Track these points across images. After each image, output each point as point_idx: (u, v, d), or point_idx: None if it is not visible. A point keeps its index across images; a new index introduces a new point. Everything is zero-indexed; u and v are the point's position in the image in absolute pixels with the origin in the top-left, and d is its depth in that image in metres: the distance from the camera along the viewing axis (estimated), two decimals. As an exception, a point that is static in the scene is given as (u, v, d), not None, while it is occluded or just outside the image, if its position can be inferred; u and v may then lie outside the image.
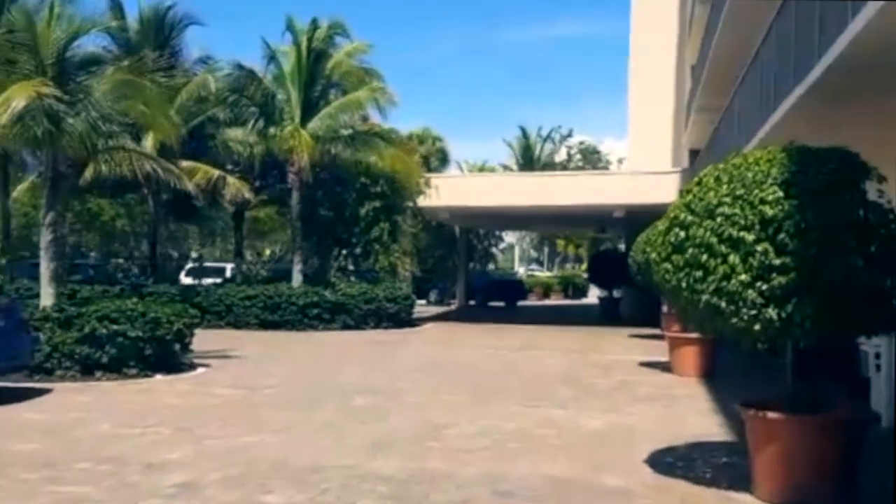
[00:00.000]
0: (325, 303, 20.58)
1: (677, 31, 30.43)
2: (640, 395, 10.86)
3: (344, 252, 22.59)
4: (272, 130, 21.58)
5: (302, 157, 20.73)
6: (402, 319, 21.46)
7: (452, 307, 34.13)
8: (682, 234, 6.06)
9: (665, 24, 30.37)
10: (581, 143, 52.62)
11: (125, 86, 13.01)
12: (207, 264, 34.00)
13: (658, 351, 16.84)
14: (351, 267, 24.37)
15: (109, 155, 14.85)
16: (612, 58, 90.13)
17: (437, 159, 42.07)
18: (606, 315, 28.21)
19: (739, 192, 5.81)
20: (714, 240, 5.78)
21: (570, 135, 52.10)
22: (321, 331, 20.38)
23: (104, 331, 10.94)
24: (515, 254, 65.92)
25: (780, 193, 5.65)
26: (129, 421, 8.46)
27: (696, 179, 6.44)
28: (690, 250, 5.95)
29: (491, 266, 55.05)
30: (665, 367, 13.57)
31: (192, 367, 12.53)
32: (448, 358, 15.08)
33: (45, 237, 12.64)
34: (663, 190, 22.28)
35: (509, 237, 65.69)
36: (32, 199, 29.50)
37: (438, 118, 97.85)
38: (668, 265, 6.21)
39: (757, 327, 5.71)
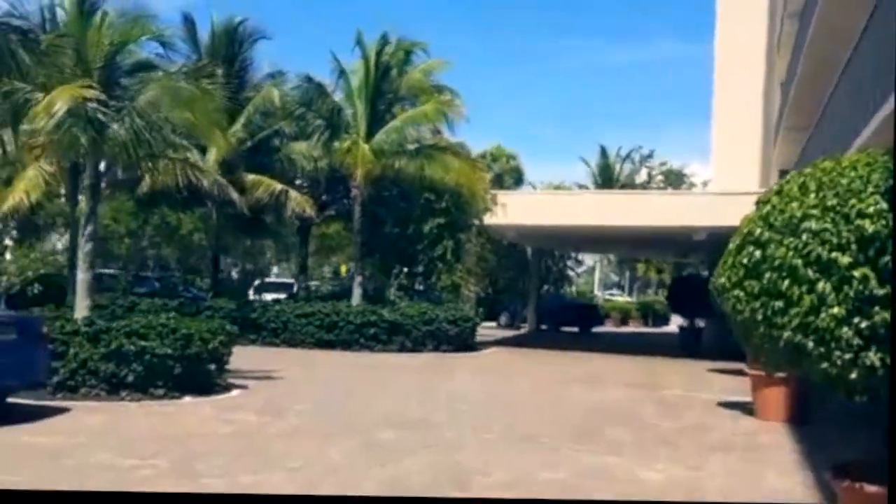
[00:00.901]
0: (382, 322, 19.75)
1: (765, 48, 28.56)
2: (713, 443, 9.47)
3: (405, 270, 21.73)
4: (337, 144, 21.06)
5: (361, 171, 20.07)
6: (462, 343, 20.41)
7: (523, 331, 32.85)
8: (758, 253, 4.85)
9: (752, 41, 28.55)
10: (663, 163, 50.51)
11: (172, 93, 12.53)
12: (276, 280, 33.89)
13: (740, 389, 15.18)
14: (419, 286, 23.56)
15: (153, 164, 14.41)
16: (695, 82, 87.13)
17: (511, 178, 41.07)
18: (686, 346, 26.34)
19: (831, 202, 4.58)
20: (798, 262, 4.55)
21: (651, 155, 50.14)
22: (377, 352, 19.54)
23: (132, 347, 10.33)
24: (595, 277, 63.89)
25: (884, 205, 4.39)
26: (129, 450, 7.72)
27: (775, 188, 5.20)
28: (768, 274, 4.73)
29: (570, 289, 53.42)
30: (747, 409, 12.05)
31: (227, 388, 11.83)
32: (501, 388, 13.94)
33: (82, 248, 12.21)
34: (749, 212, 20.62)
35: (588, 259, 63.87)
36: (111, 211, 30.01)
37: (515, 140, 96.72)
38: (739, 292, 4.99)
39: (854, 375, 4.45)
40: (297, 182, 24.66)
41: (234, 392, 11.71)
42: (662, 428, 10.36)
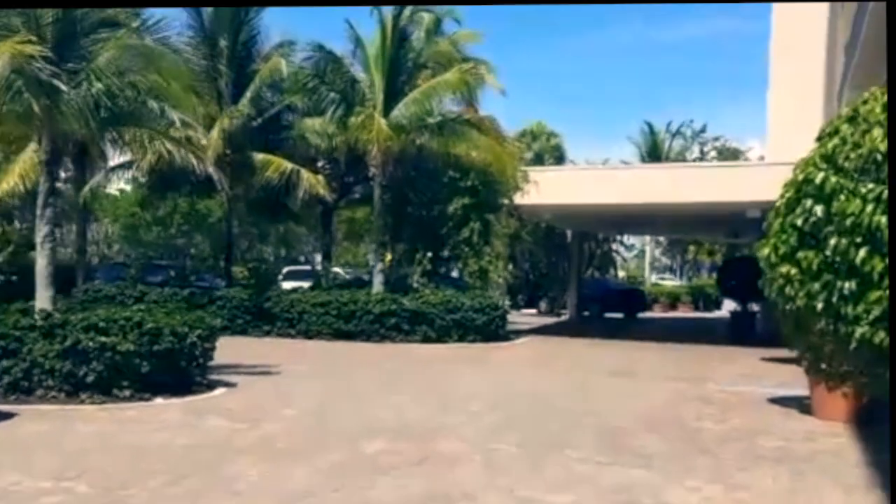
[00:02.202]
0: (402, 312, 18.41)
1: (827, 12, 26.11)
2: (763, 452, 7.85)
3: (429, 255, 20.29)
4: (353, 119, 19.65)
5: (378, 147, 18.63)
6: (492, 332, 18.93)
7: (563, 318, 31.19)
8: (819, 210, 3.28)
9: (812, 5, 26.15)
10: (716, 138, 47.68)
11: (134, 52, 11.16)
12: (304, 268, 32.83)
13: (796, 382, 13.41)
14: (443, 270, 22.15)
15: (119, 136, 13.10)
16: (752, 60, 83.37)
17: (553, 157, 39.25)
18: (738, 332, 24.41)
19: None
20: (882, 220, 2.97)
21: (703, 130, 47.37)
22: (398, 342, 18.22)
23: (90, 343, 9.16)
24: (646, 260, 61.52)
25: None
26: (50, 468, 6.49)
27: (846, 111, 3.58)
28: (834, 241, 3.15)
29: (618, 273, 51.32)
30: (803, 407, 10.37)
31: (211, 386, 10.61)
32: (525, 385, 12.43)
33: (40, 232, 11.03)
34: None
35: (637, 242, 61.48)
36: (137, 196, 29.17)
37: (560, 120, 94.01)
38: (790, 268, 3.42)
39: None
40: (319, 163, 23.45)
41: (218, 391, 10.48)
42: (704, 432, 8.76)
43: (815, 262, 3.19)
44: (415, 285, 19.96)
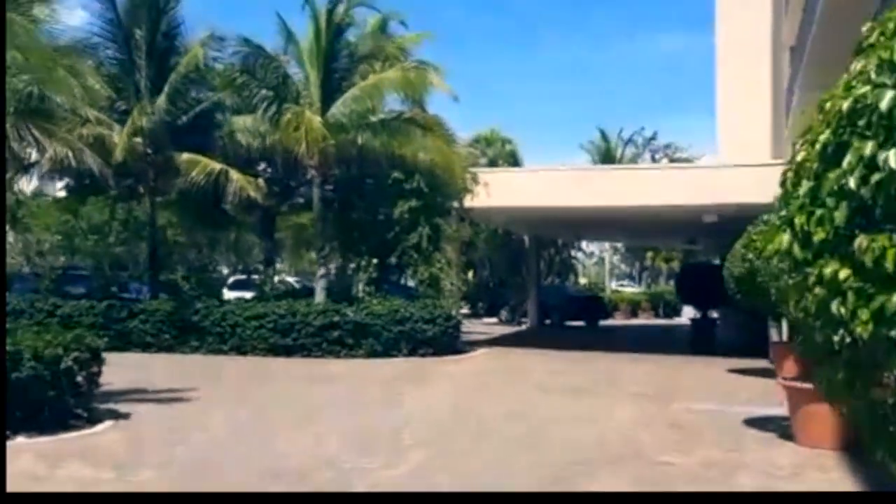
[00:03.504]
0: (346, 324, 16.91)
1: (770, 16, 25.32)
2: (744, 494, 6.57)
3: (375, 262, 18.82)
4: (288, 117, 18.09)
5: (311, 147, 17.13)
6: (444, 344, 17.51)
7: (524, 326, 29.95)
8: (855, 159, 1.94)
9: (755, 13, 25.35)
10: (668, 146, 47.13)
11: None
12: (249, 277, 30.97)
13: (769, 397, 12.32)
14: (395, 278, 20.71)
15: (19, 133, 11.52)
16: (697, 72, 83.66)
17: (507, 164, 38.09)
18: (699, 340, 23.39)
19: None
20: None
21: (654, 137, 46.76)
22: (341, 357, 16.72)
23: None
24: (605, 267, 60.84)
25: None
26: None
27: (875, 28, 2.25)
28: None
29: (578, 280, 50.39)
30: (782, 430, 9.16)
31: (94, 420, 8.98)
32: (469, 409, 11.02)
33: None
34: (764, 187, 17.52)
35: (596, 250, 60.76)
36: (73, 204, 27.18)
37: (514, 128, 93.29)
38: (837, 268, 2.07)
39: None
40: (261, 166, 21.90)
41: (101, 426, 8.85)
42: (671, 469, 7.44)
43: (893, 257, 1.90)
44: (360, 295, 18.48)
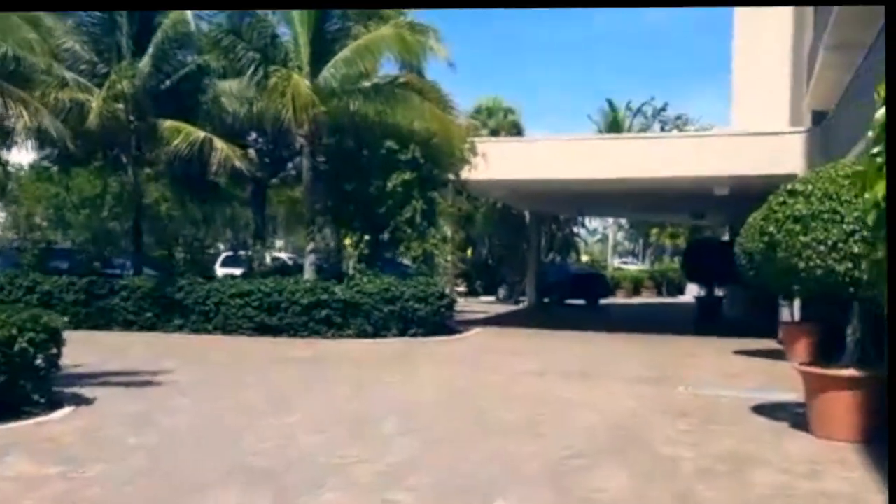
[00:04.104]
0: (334, 302, 16.19)
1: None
2: (761, 492, 5.86)
3: (366, 238, 18.03)
4: (274, 81, 17.15)
5: (300, 113, 16.25)
6: (436, 324, 16.79)
7: (522, 305, 29.25)
8: None
9: None
10: (678, 117, 45.95)
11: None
12: (241, 253, 30.31)
13: (777, 379, 11.68)
14: (390, 255, 19.94)
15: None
16: (712, 47, 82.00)
17: (509, 135, 37.17)
18: (705, 319, 22.69)
19: None
20: None
21: (664, 108, 45.58)
22: (329, 338, 16.03)
23: None
24: (609, 244, 60.06)
25: None
26: None
27: None
28: None
29: (580, 258, 49.64)
30: (795, 418, 8.46)
31: (54, 405, 8.28)
32: (460, 394, 10.31)
33: None
34: (782, 157, 16.74)
35: (600, 226, 59.93)
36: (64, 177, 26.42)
37: (519, 98, 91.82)
38: None
39: None
40: (251, 136, 21.06)
41: (59, 413, 8.14)
42: (679, 463, 6.72)
43: None
44: (350, 272, 17.73)
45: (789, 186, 8.16)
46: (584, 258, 50.44)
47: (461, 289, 34.11)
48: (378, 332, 16.15)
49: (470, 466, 6.51)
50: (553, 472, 6.34)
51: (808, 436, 7.83)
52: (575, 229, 42.30)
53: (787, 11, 24.33)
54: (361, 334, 16.08)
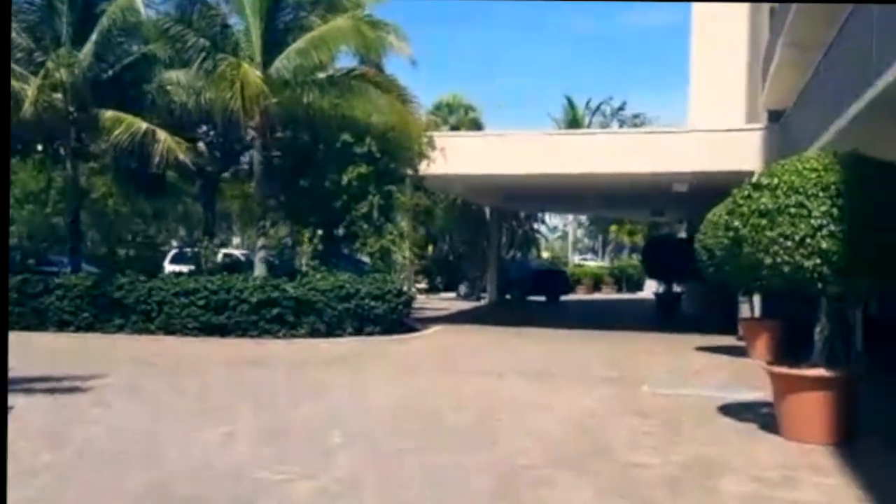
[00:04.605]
0: (285, 300, 15.53)
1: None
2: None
3: (320, 233, 17.37)
4: (222, 69, 16.36)
5: (250, 104, 15.54)
6: (393, 322, 16.23)
7: (483, 302, 28.84)
8: None
9: None
10: (636, 115, 46.14)
11: None
12: (187, 250, 29.19)
13: (741, 377, 11.43)
14: (348, 251, 19.33)
15: None
16: (670, 49, 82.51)
17: (470, 131, 36.77)
18: (664, 315, 22.54)
19: None
20: None
21: (622, 107, 45.76)
22: (281, 337, 15.37)
23: None
24: (569, 241, 60.11)
25: None
26: None
27: None
28: None
29: (542, 254, 49.49)
30: (765, 420, 8.12)
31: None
32: (416, 396, 9.80)
33: None
34: (740, 154, 16.59)
35: (557, 221, 59.90)
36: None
37: (480, 95, 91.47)
38: None
39: None
40: (202, 129, 20.21)
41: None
42: (643, 472, 6.29)
43: None
44: (303, 269, 17.07)
45: (754, 180, 7.81)
46: (545, 255, 50.37)
47: (422, 285, 33.58)
48: (332, 330, 15.55)
49: (418, 482, 6.00)
50: (508, 487, 5.86)
51: (777, 438, 7.49)
52: (535, 226, 42.10)
53: (743, 13, 24.33)
54: (314, 333, 15.46)
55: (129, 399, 9.21)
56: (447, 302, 28.39)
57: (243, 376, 11.17)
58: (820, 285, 7.04)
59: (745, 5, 24.32)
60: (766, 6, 22.51)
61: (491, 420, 8.29)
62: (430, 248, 34.68)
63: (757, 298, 15.40)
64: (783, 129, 16.84)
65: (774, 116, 19.51)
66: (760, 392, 9.69)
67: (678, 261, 19.97)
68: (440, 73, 75.35)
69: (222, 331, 15.47)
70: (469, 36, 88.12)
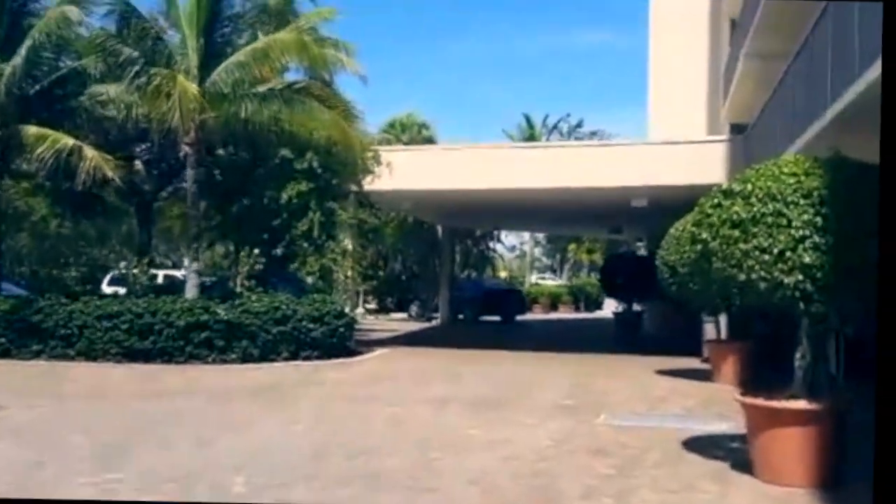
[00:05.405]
0: (216, 323, 14.28)
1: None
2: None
3: (256, 252, 16.15)
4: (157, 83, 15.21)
5: (186, 119, 14.45)
6: (333, 346, 15.08)
7: (435, 322, 27.78)
8: None
9: None
10: (594, 133, 45.81)
11: None
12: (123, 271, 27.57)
13: (708, 403, 10.62)
14: (292, 270, 18.14)
15: None
16: (628, 68, 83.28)
17: (422, 149, 35.90)
18: (624, 336, 21.75)
19: None
20: None
21: (580, 125, 45.40)
22: (210, 363, 14.10)
23: None
24: (527, 260, 59.51)
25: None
26: None
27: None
28: None
29: (503, 274, 48.69)
30: (735, 455, 7.24)
31: None
32: (344, 432, 8.67)
33: None
34: (702, 167, 15.91)
35: (515, 240, 59.29)
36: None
37: (434, 114, 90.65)
38: None
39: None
40: (140, 147, 18.99)
41: None
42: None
43: None
44: (238, 290, 15.83)
45: (724, 186, 6.93)
46: (503, 274, 49.64)
47: (371, 306, 32.41)
48: (266, 355, 14.36)
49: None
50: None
51: (752, 480, 6.56)
52: (492, 245, 41.31)
53: (703, 26, 23.92)
54: (247, 359, 14.25)
55: (19, 437, 7.97)
56: (397, 323, 27.28)
57: (154, 408, 9.89)
58: (802, 304, 6.15)
59: (705, 13, 23.94)
60: (726, 18, 22.12)
61: (427, 461, 7.22)
62: (382, 268, 33.56)
63: (724, 318, 14.63)
64: (748, 141, 16.28)
65: (737, 130, 19.01)
66: (730, 422, 8.87)
67: (638, 278, 19.27)
68: (398, 93, 74.75)
69: (146, 356, 14.16)
70: (429, 58, 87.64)
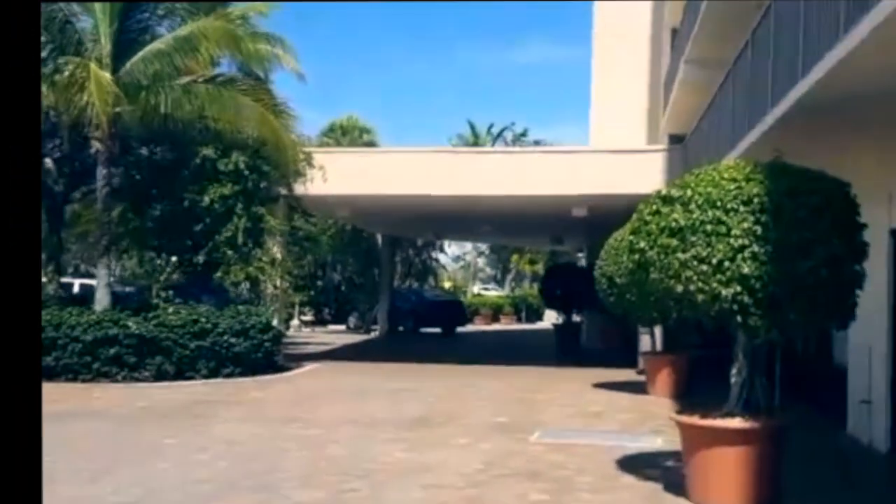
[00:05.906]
0: (127, 338, 13.28)
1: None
2: None
3: (174, 260, 15.19)
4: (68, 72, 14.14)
5: (102, 113, 13.41)
6: (258, 362, 14.21)
7: (374, 335, 27.03)
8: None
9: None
10: (537, 142, 45.75)
11: None
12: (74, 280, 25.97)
13: (642, 418, 10.16)
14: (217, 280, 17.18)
15: None
16: (571, 82, 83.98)
17: (362, 154, 35.11)
18: (563, 347, 21.36)
19: None
20: None
21: (524, 133, 45.27)
22: (121, 381, 13.10)
23: None
24: (471, 271, 59.07)
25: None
26: None
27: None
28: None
29: (447, 284, 48.11)
30: (668, 475, 6.78)
31: None
32: (255, 459, 7.90)
33: None
34: (641, 176, 15.60)
35: (458, 250, 58.87)
36: None
37: (377, 119, 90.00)
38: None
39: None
40: (50, 143, 17.69)
41: None
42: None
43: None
44: (154, 301, 14.82)
45: (663, 192, 6.45)
46: (447, 284, 49.14)
47: (308, 318, 31.47)
48: (182, 373, 13.42)
49: None
50: None
51: (685, 503, 6.07)
52: (434, 255, 40.73)
53: (644, 37, 23.87)
54: (161, 376, 13.28)
55: None
56: (334, 335, 26.43)
57: (45, 435, 8.93)
58: (740, 318, 5.69)
59: (646, 25, 23.89)
60: (667, 29, 22.07)
61: (343, 493, 6.52)
62: (320, 277, 32.64)
63: (658, 329, 14.32)
64: (686, 150, 16.09)
65: (676, 140, 18.86)
66: (664, 436, 8.46)
67: (577, 290, 18.92)
68: (339, 94, 73.84)
69: (49, 374, 13.00)
70: (371, 58, 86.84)
